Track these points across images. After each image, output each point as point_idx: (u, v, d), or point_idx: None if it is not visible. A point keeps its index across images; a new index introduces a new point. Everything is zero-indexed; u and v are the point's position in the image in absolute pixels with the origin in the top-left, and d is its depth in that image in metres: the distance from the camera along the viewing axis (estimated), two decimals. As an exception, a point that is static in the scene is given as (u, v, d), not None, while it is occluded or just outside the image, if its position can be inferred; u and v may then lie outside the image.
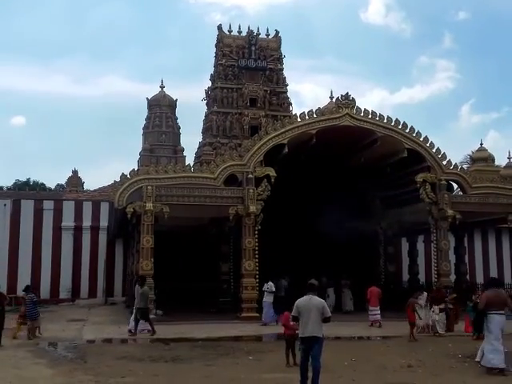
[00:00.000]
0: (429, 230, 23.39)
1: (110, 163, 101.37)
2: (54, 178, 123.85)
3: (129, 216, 19.93)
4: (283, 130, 21.04)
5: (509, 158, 37.27)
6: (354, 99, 21.72)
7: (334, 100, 35.94)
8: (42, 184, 57.53)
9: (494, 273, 30.82)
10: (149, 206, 19.45)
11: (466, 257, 26.28)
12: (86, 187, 50.82)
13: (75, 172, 49.98)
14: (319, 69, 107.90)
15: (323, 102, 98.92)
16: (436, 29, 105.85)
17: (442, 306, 16.71)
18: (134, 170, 20.29)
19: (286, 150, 20.99)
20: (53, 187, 57.19)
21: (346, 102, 21.59)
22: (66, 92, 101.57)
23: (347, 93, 21.77)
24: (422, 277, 27.56)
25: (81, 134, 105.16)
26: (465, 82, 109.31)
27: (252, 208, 20.19)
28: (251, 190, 20.42)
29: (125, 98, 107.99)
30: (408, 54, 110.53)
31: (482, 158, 37.18)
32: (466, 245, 26.59)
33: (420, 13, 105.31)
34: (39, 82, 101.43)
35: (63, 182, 59.11)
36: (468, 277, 25.90)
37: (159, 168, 20.82)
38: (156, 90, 36.82)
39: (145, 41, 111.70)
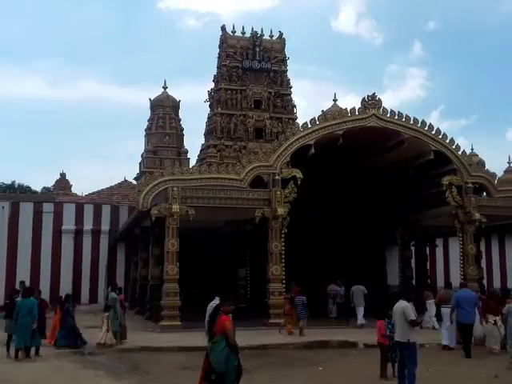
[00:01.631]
0: (448, 233, 23.01)
1: (89, 167, 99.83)
2: (37, 182, 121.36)
3: (153, 219, 19.08)
4: (310, 130, 20.44)
5: (509, 163, 37.12)
6: (380, 99, 21.22)
7: (337, 102, 36.11)
8: (28, 187, 55.89)
9: (510, 277, 30.67)
10: (175, 208, 18.63)
11: (484, 261, 25.95)
12: (73, 190, 49.59)
13: (63, 175, 48.65)
14: (295, 74, 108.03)
15: (300, 106, 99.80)
16: (406, 37, 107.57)
17: (497, 317, 14.39)
18: (158, 170, 19.46)
19: (313, 150, 20.40)
20: (39, 190, 55.59)
21: (372, 103, 21.04)
22: (42, 95, 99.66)
23: (374, 93, 21.25)
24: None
25: (59, 137, 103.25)
26: (434, 90, 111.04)
27: (280, 210, 19.51)
28: (278, 192, 19.75)
29: (101, 101, 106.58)
30: (379, 62, 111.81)
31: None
32: (482, 249, 26.24)
33: (390, 21, 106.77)
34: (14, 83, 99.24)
35: (47, 185, 57.78)
36: (485, 282, 25.56)
37: (184, 169, 20.03)
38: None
39: (122, 45, 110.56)
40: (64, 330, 14.78)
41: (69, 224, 29.92)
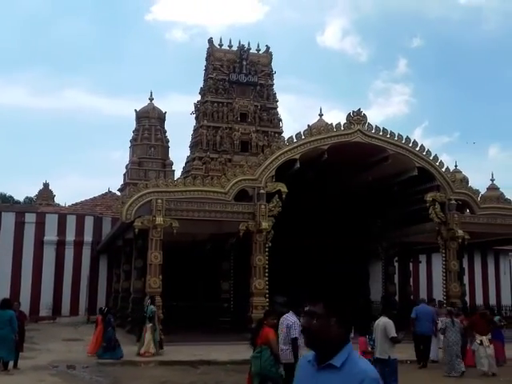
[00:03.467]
0: (431, 249, 23.04)
1: (72, 177, 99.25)
2: (20, 192, 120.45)
3: (136, 231, 18.92)
4: (296, 144, 20.45)
5: (491, 180, 37.46)
6: (365, 115, 21.28)
7: (322, 117, 36.28)
8: (10, 197, 55.37)
9: (492, 294, 30.83)
10: (159, 220, 18.48)
11: (466, 278, 26.05)
12: (56, 201, 49.27)
13: (46, 185, 48.41)
14: (281, 88, 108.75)
15: (286, 120, 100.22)
16: (391, 54, 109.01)
17: (484, 337, 13.57)
18: (143, 182, 19.36)
19: (298, 165, 20.41)
20: (21, 200, 55.14)
21: (357, 118, 21.08)
22: (26, 104, 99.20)
23: (359, 109, 21.31)
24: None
25: (42, 147, 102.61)
26: (418, 106, 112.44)
27: (264, 224, 19.44)
28: (263, 206, 19.69)
29: (86, 112, 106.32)
30: (364, 77, 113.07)
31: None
32: (465, 266, 26.35)
33: (376, 38, 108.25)
34: None
35: (30, 194, 57.27)
36: (468, 298, 25.63)
37: (168, 181, 19.94)
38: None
39: (109, 55, 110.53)
40: (105, 341, 15.17)
41: (51, 235, 29.58)
